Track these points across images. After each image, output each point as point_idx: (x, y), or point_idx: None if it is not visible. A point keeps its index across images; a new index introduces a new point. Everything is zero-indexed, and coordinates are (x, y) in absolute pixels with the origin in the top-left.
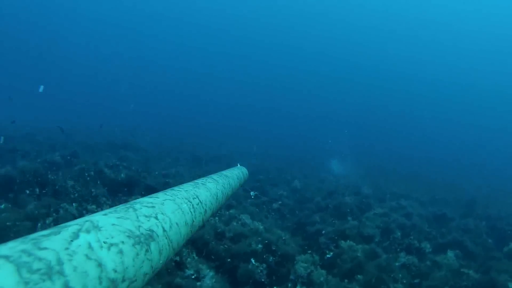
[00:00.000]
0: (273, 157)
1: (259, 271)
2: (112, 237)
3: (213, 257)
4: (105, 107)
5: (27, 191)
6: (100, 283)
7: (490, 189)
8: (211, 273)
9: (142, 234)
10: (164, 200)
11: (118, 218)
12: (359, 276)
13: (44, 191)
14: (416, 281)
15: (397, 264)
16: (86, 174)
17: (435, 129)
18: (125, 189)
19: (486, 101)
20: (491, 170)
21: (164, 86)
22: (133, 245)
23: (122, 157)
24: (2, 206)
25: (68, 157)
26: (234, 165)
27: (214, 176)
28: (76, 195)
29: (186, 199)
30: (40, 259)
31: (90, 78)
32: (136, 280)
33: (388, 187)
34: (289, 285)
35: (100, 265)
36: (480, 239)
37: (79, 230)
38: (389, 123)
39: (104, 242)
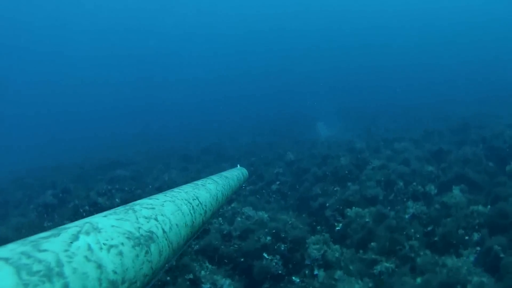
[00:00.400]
0: (262, 133)
1: (274, 263)
2: (112, 239)
3: (226, 261)
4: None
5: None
6: (100, 284)
7: (478, 109)
8: (228, 281)
9: (142, 235)
10: (164, 201)
11: (118, 219)
12: (372, 244)
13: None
14: (429, 228)
15: (407, 216)
16: (81, 210)
17: (412, 57)
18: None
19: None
20: (475, 91)
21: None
22: (133, 246)
23: (113, 178)
24: None
25: (60, 195)
26: (225, 153)
27: (214, 177)
28: None
29: (186, 200)
30: (39, 261)
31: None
32: (136, 282)
33: (379, 134)
34: (306, 271)
35: (100, 266)
36: (481, 165)
37: (79, 232)
38: (362, 61)
39: (104, 244)
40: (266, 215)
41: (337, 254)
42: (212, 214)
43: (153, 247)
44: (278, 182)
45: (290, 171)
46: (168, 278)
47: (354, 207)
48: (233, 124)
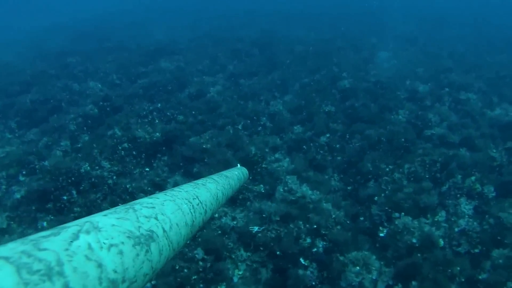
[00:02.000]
0: (318, 26)
1: (309, 272)
2: (112, 238)
3: (261, 248)
4: None
5: (65, 197)
6: (100, 283)
7: None
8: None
9: (142, 234)
10: (164, 200)
11: (118, 219)
12: (413, 282)
13: (81, 188)
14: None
15: (456, 230)
16: (120, 147)
17: None
18: (163, 148)
19: None
20: None
21: None
22: (133, 245)
23: (156, 83)
24: (45, 223)
25: (101, 104)
26: (277, 52)
27: (214, 176)
28: (114, 178)
29: (186, 199)
30: (40, 260)
31: None
32: (136, 281)
33: (447, 65)
34: None
35: (100, 265)
36: None
37: (79, 231)
38: None
39: (104, 243)
40: (309, 192)
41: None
42: (213, 213)
43: (153, 246)
44: (328, 135)
45: (343, 110)
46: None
47: (403, 215)
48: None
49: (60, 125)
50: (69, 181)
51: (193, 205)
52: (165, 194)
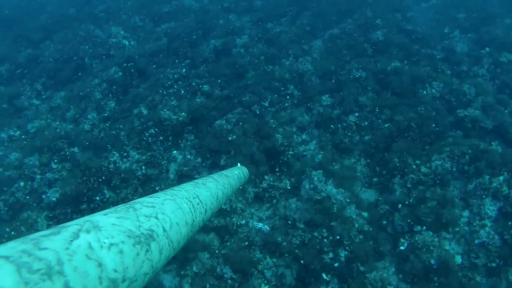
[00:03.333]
0: None
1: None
2: (112, 237)
3: (286, 255)
4: None
5: (97, 198)
6: (101, 283)
7: None
8: None
9: (142, 234)
10: (164, 199)
11: (118, 218)
12: None
13: (112, 184)
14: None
15: (476, 242)
16: (147, 134)
17: None
18: (190, 127)
19: None
20: None
21: None
22: (133, 245)
23: (177, 10)
24: None
25: (125, 65)
26: None
27: (215, 175)
28: (143, 169)
29: (186, 198)
30: (40, 259)
31: None
32: (136, 280)
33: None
34: None
35: (100, 265)
36: None
37: (79, 230)
38: None
39: (104, 242)
40: (336, 194)
41: None
42: (213, 213)
43: (153, 246)
44: (357, 114)
45: (374, 74)
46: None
47: (424, 229)
48: None
49: (85, 93)
50: (100, 180)
51: (193, 204)
52: (165, 193)
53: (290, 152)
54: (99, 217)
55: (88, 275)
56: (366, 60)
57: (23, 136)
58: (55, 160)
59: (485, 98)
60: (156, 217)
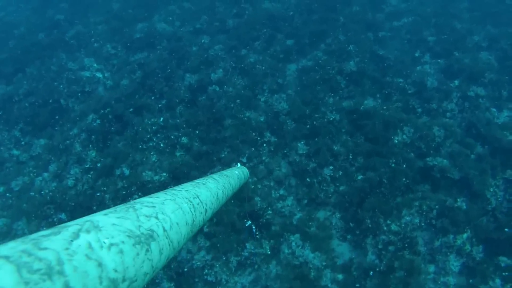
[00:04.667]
0: None
1: None
2: (112, 237)
3: None
4: None
5: None
6: (101, 283)
7: None
8: None
9: (142, 234)
10: (164, 199)
11: (119, 218)
12: None
13: None
14: None
15: None
16: (131, 200)
17: None
18: (171, 186)
19: None
20: None
21: None
22: (134, 245)
23: (149, 34)
24: None
25: (102, 112)
26: None
27: (215, 175)
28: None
29: (186, 198)
30: (40, 259)
31: None
32: (136, 280)
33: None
34: None
35: (100, 265)
36: None
37: (79, 230)
38: None
39: (104, 242)
40: (311, 256)
41: None
42: (213, 213)
43: (153, 246)
44: (331, 167)
45: (347, 114)
46: None
47: None
48: None
49: (65, 146)
50: None
51: (193, 204)
52: (165, 193)
53: (269, 212)
54: (99, 217)
55: (88, 275)
56: (339, 90)
57: (8, 194)
58: (44, 228)
59: (453, 142)
60: (156, 217)
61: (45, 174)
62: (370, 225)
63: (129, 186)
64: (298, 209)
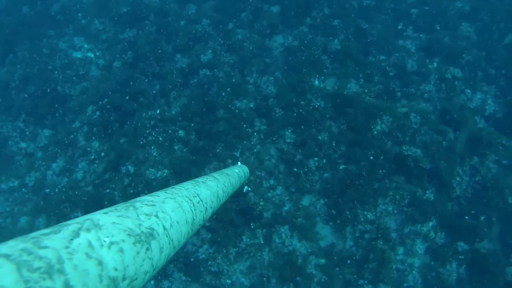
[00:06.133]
0: None
1: None
2: (112, 236)
3: None
4: None
5: None
6: (101, 281)
7: None
8: None
9: (142, 232)
10: (164, 198)
11: (119, 216)
12: None
13: None
14: None
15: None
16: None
17: None
18: (173, 181)
19: None
20: None
21: None
22: (134, 243)
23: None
24: None
25: (100, 103)
26: None
27: (215, 174)
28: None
29: (186, 197)
30: (40, 257)
31: None
32: (136, 279)
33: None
34: None
35: (100, 263)
36: None
37: (80, 229)
38: None
39: (105, 241)
40: (298, 245)
41: None
42: (213, 211)
43: (154, 244)
44: (316, 158)
45: (332, 98)
46: None
47: (366, 282)
48: None
49: (70, 140)
50: None
51: (193, 203)
52: (166, 192)
53: (261, 203)
54: (99, 216)
55: (88, 274)
56: (324, 82)
57: (23, 189)
58: None
59: (428, 129)
60: (157, 216)
61: (54, 165)
62: (349, 216)
63: (136, 185)
64: (287, 198)
